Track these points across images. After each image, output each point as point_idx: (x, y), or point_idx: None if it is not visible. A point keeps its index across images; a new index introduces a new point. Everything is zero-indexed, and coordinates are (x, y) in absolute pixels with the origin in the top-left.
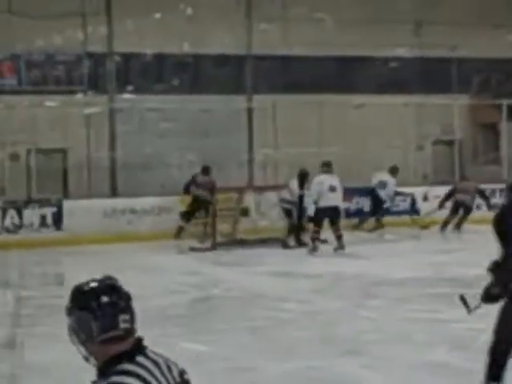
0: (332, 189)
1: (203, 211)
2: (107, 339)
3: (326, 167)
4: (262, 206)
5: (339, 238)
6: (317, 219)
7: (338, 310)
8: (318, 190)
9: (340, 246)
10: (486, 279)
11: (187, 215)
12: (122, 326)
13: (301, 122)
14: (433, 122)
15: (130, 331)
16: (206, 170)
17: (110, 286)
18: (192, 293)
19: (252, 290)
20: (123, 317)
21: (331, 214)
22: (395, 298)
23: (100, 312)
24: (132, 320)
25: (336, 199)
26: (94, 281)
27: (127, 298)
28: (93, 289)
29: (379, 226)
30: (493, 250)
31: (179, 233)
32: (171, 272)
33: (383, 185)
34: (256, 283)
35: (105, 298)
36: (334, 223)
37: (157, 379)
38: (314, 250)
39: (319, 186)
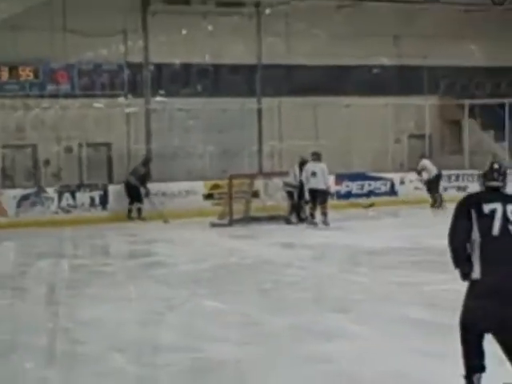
0: (313, 174)
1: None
2: None
3: (315, 156)
4: (269, 189)
5: (324, 214)
6: (309, 199)
7: (332, 274)
8: (304, 175)
9: (324, 222)
10: None
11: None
12: None
13: (300, 119)
14: (408, 120)
15: None
16: (145, 163)
17: None
18: (213, 260)
19: (261, 258)
20: None
21: (314, 195)
22: (379, 265)
23: None
24: None
25: (316, 183)
26: None
27: None
28: None
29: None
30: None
31: (129, 213)
32: (195, 244)
33: None
34: (265, 252)
35: None
36: (319, 202)
37: None
38: (312, 223)
39: (306, 172)
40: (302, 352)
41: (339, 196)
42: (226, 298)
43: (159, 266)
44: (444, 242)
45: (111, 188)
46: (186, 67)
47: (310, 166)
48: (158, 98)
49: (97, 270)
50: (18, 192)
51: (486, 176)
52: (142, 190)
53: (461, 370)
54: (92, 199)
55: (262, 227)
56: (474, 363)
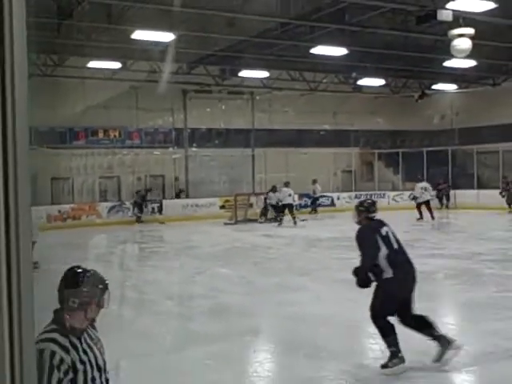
0: (289, 194)
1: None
2: None
3: (287, 183)
4: (258, 202)
5: (294, 218)
6: (281, 209)
7: (297, 253)
8: (282, 195)
9: (294, 223)
10: None
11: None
12: None
13: (278, 161)
14: (341, 161)
15: None
16: (147, 190)
17: None
18: (225, 245)
19: (254, 243)
20: None
21: (287, 206)
22: (325, 247)
23: None
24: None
25: (289, 199)
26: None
27: None
28: None
29: (315, 212)
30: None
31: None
32: (215, 235)
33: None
34: (256, 240)
35: None
36: (289, 211)
37: None
38: (280, 223)
39: (283, 192)
40: (278, 299)
41: (301, 207)
42: (233, 267)
43: (193, 248)
44: None
45: (164, 202)
46: (209, 130)
47: (286, 190)
48: (193, 149)
49: (155, 250)
50: (109, 204)
51: (369, 209)
52: (143, 206)
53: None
54: (153, 208)
55: (254, 225)
56: (392, 336)
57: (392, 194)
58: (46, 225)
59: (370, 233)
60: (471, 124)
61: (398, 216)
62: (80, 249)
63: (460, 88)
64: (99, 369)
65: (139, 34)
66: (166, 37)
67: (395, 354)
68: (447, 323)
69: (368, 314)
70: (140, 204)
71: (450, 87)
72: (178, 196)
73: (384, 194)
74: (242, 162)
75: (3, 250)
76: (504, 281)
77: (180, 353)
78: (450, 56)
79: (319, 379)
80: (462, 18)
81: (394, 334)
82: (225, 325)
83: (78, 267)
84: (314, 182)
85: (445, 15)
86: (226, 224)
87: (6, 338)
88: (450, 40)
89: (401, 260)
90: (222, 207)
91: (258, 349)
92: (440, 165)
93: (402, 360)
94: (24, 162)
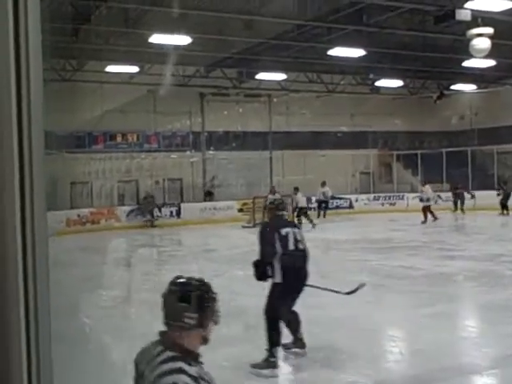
0: (302, 199)
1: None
2: None
3: (296, 188)
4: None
5: (311, 221)
6: (298, 213)
7: (315, 255)
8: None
9: (312, 226)
10: (387, 239)
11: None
12: None
13: (295, 164)
14: (359, 163)
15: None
16: (152, 196)
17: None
18: (242, 248)
19: None
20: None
21: (303, 210)
22: (343, 249)
23: None
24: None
25: (303, 202)
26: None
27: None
28: None
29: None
30: (386, 227)
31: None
32: (233, 238)
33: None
34: None
35: None
36: (305, 215)
37: None
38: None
39: (297, 197)
40: (299, 302)
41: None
42: (250, 270)
43: (211, 251)
44: (379, 235)
45: (182, 205)
46: (226, 133)
47: (299, 195)
48: (210, 152)
49: (173, 254)
50: (127, 208)
51: (278, 207)
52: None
53: (394, 314)
54: (171, 212)
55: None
56: (276, 339)
57: (411, 195)
58: (65, 229)
59: (269, 230)
60: (491, 124)
61: (418, 218)
62: (99, 253)
63: (479, 88)
64: None
65: (157, 38)
66: (184, 40)
67: (271, 356)
68: (467, 325)
69: (387, 316)
70: (148, 210)
71: (469, 87)
72: (208, 194)
73: (403, 196)
74: (259, 164)
75: (20, 254)
76: None
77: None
78: (469, 56)
79: (339, 382)
80: (480, 18)
81: (278, 339)
82: (243, 327)
83: (182, 277)
84: (323, 184)
85: (463, 15)
86: (244, 227)
87: (24, 349)
88: (469, 40)
89: (294, 264)
90: (240, 210)
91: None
92: (459, 166)
93: (275, 364)
94: (40, 167)
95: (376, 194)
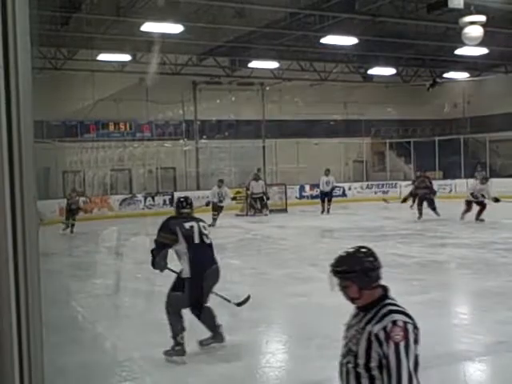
0: (257, 186)
1: None
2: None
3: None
4: (270, 193)
5: (262, 209)
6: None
7: (308, 244)
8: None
9: (264, 215)
10: (380, 227)
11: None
12: None
13: (288, 152)
14: (352, 151)
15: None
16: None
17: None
18: (236, 236)
19: (265, 234)
20: None
21: (254, 196)
22: (335, 237)
23: None
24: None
25: (258, 189)
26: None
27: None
28: None
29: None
30: (379, 214)
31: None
32: (226, 226)
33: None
34: (267, 231)
35: None
36: (261, 200)
37: None
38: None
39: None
40: (290, 290)
41: (312, 197)
42: (244, 259)
43: None
44: (373, 223)
45: (176, 194)
46: (219, 122)
47: (254, 183)
48: (203, 141)
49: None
50: (120, 197)
51: (179, 206)
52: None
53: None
54: (164, 201)
55: (266, 216)
56: (179, 328)
57: (404, 183)
58: (58, 218)
59: (169, 223)
60: (483, 112)
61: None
62: (92, 241)
63: (472, 76)
64: None
65: (148, 26)
66: (176, 28)
67: (177, 344)
68: (460, 312)
69: None
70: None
71: (462, 75)
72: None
73: (396, 184)
74: (252, 153)
75: (10, 241)
76: None
77: (192, 343)
78: (462, 44)
79: (332, 369)
80: (473, 6)
81: (182, 327)
82: (237, 316)
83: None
84: (327, 172)
85: (456, 2)
86: (237, 215)
87: (15, 332)
88: (462, 28)
89: (202, 258)
90: (233, 199)
91: (270, 339)
92: (452, 154)
93: (182, 352)
94: (29, 156)
95: (369, 182)
